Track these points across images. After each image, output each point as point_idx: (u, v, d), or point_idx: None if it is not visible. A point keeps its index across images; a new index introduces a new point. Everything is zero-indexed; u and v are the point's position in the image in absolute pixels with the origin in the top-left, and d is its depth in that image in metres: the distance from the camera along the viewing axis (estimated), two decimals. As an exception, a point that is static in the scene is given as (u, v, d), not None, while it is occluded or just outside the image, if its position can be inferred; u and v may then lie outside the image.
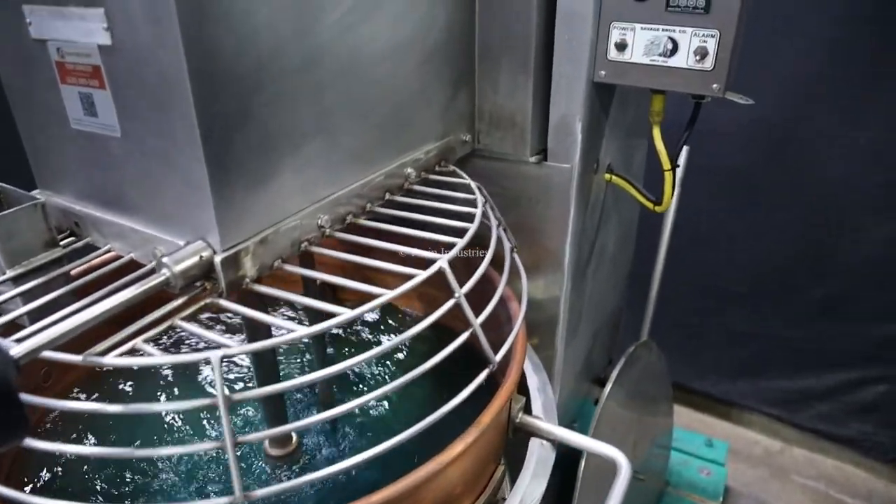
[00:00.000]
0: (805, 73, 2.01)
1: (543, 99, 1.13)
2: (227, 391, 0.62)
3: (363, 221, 0.89)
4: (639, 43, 1.05)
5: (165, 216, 0.77)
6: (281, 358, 1.30)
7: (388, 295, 0.71)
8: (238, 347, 0.65)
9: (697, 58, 1.01)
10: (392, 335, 1.38)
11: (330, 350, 1.28)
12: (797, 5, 1.95)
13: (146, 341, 0.67)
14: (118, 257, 0.84)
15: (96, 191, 0.84)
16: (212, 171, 0.69)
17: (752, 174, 2.20)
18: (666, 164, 1.20)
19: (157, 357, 0.65)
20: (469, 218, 0.89)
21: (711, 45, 1.00)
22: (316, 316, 1.13)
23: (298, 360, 1.31)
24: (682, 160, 1.43)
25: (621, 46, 1.06)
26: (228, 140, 0.70)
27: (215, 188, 0.70)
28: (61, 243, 0.85)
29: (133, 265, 0.81)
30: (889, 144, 1.96)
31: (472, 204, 0.93)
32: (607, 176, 1.31)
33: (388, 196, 0.96)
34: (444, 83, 1.05)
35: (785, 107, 2.06)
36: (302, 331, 0.67)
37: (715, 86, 1.03)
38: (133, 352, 0.66)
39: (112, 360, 0.64)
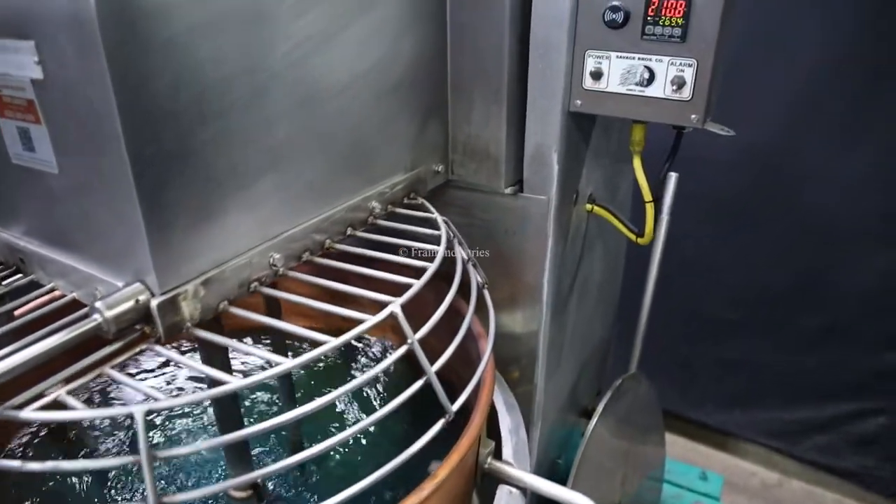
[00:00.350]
0: (796, 98, 1.97)
1: (518, 129, 1.10)
2: (151, 450, 0.58)
3: (319, 260, 0.85)
4: (615, 72, 1.01)
5: (105, 256, 0.73)
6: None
7: (330, 343, 0.66)
8: (165, 402, 0.61)
9: (675, 87, 0.98)
10: (362, 367, 1.34)
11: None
12: (787, 30, 1.91)
13: (72, 392, 0.63)
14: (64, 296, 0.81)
15: (40, 227, 0.81)
16: (146, 211, 0.65)
17: (743, 201, 2.15)
18: (647, 196, 1.17)
19: (77, 412, 0.61)
20: (434, 255, 0.85)
21: (689, 74, 0.96)
22: (280, 349, 1.09)
23: (267, 395, 1.27)
24: (669, 188, 1.38)
25: (597, 75, 1.02)
26: (165, 179, 0.66)
27: (151, 229, 0.66)
28: (6, 282, 0.82)
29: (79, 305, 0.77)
30: (881, 171, 1.92)
31: (438, 240, 0.89)
32: (588, 206, 1.28)
33: (349, 231, 0.92)
34: (412, 114, 1.02)
35: (775, 132, 2.02)
36: (235, 383, 0.63)
37: (694, 116, 0.99)
38: (56, 404, 0.62)
39: (30, 414, 0.60)
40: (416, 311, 0.76)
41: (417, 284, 0.76)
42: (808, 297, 2.16)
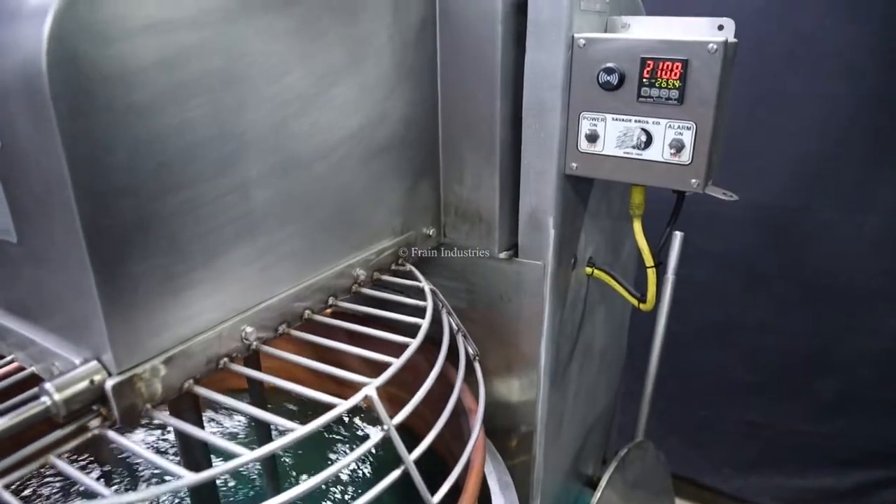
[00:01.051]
0: (805, 156, 1.93)
1: (512, 192, 1.06)
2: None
3: (296, 333, 0.80)
4: (611, 134, 0.97)
5: (62, 330, 0.69)
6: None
7: (299, 431, 0.61)
8: (112, 499, 0.55)
9: (673, 151, 0.94)
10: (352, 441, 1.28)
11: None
12: (795, 86, 1.89)
13: (8, 487, 0.57)
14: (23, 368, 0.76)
15: (1, 295, 0.77)
16: (102, 285, 0.61)
17: (756, 260, 2.09)
18: (648, 261, 1.12)
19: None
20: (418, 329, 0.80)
21: (688, 137, 0.92)
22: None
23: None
24: (675, 249, 1.33)
25: (592, 138, 0.98)
26: (123, 251, 0.62)
27: (107, 303, 0.62)
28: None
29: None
30: (892, 231, 1.86)
31: (424, 312, 0.84)
32: (588, 270, 1.22)
33: (331, 301, 0.87)
34: (401, 176, 0.98)
35: (785, 190, 1.98)
36: (202, 474, 0.57)
37: (694, 181, 0.94)
38: (-9, 500, 0.57)
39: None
40: (409, 375, 0.71)
41: (396, 364, 0.70)
42: (826, 359, 2.08)
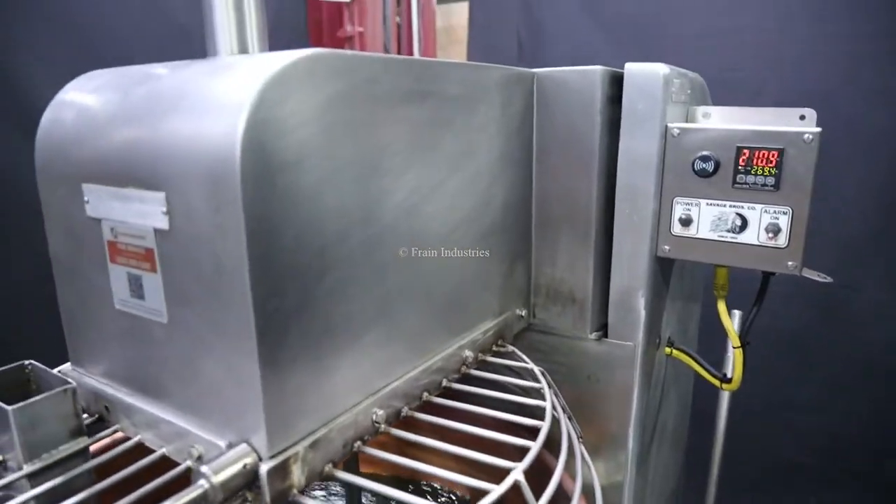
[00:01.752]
0: (856, 234, 1.97)
1: (603, 273, 1.08)
2: None
3: (419, 415, 0.80)
4: (705, 218, 1.00)
5: (206, 411, 0.69)
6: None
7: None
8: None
9: (770, 235, 0.96)
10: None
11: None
12: (837, 171, 1.95)
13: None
14: (149, 451, 0.76)
15: (132, 374, 0.77)
16: (265, 369, 0.62)
17: (810, 339, 2.09)
18: (735, 342, 1.12)
19: None
20: (535, 410, 0.80)
21: (784, 222, 0.95)
22: None
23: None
24: (735, 322, 1.34)
25: (686, 222, 1.01)
26: (285, 334, 0.64)
27: (267, 387, 0.62)
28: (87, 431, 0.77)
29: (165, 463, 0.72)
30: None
31: (537, 393, 0.84)
32: (668, 349, 1.23)
33: (444, 383, 0.87)
34: (501, 258, 1.00)
35: (837, 268, 2.00)
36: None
37: (791, 263, 0.97)
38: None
39: None
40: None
41: (535, 446, 0.70)
42: (886, 442, 2.04)
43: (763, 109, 1.07)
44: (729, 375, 1.15)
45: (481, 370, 0.94)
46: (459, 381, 0.90)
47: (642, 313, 1.06)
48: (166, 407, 0.73)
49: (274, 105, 0.60)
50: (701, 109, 1.13)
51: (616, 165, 1.03)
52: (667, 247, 1.04)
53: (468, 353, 0.92)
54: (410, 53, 3.04)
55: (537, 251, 1.10)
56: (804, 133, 0.92)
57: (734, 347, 1.13)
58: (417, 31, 2.83)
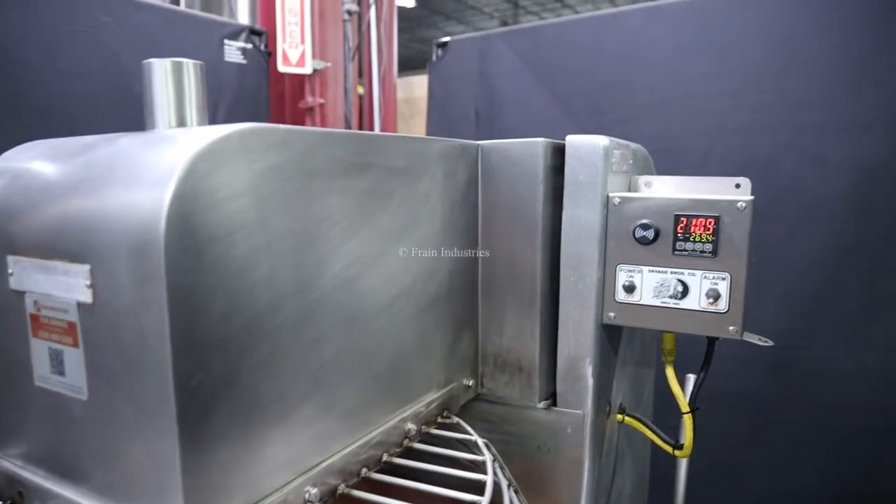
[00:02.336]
0: (800, 296, 2.01)
1: (550, 341, 1.07)
2: None
3: (355, 493, 0.77)
4: (647, 285, 1.01)
5: (126, 495, 0.66)
6: None
7: None
8: None
9: (710, 300, 0.97)
10: None
11: None
12: (781, 235, 2.01)
13: None
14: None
15: (50, 456, 0.73)
16: (185, 448, 0.59)
17: (765, 400, 2.10)
18: (684, 407, 1.12)
19: None
20: (479, 484, 0.78)
21: (723, 287, 0.97)
22: None
23: None
24: (688, 390, 1.34)
25: (630, 289, 1.02)
26: (210, 410, 0.61)
27: (187, 467, 0.60)
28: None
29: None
30: (894, 366, 1.90)
31: (481, 467, 0.82)
32: (619, 416, 1.22)
33: (385, 458, 0.85)
34: (447, 328, 1.00)
35: (784, 329, 2.04)
36: None
37: (731, 328, 0.98)
38: None
39: None
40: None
41: (474, 523, 0.68)
42: (842, 498, 2.03)
43: (702, 178, 1.11)
44: (682, 441, 1.14)
45: (425, 443, 0.92)
46: (401, 455, 0.88)
47: (590, 381, 1.06)
48: (85, 491, 0.69)
49: (203, 177, 0.60)
50: (643, 179, 1.16)
51: (560, 234, 1.05)
52: (612, 314, 1.04)
53: (411, 426, 0.90)
54: (371, 124, 3.11)
55: (484, 320, 1.09)
56: (738, 201, 0.95)
57: (683, 413, 1.12)
58: (378, 103, 2.91)
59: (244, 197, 0.64)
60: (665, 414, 1.31)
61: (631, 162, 1.15)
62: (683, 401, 1.12)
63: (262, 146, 0.67)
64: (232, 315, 0.64)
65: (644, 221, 1.00)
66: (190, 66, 0.75)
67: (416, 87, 3.02)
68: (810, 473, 2.07)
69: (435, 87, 2.78)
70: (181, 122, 0.75)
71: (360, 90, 2.96)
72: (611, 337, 1.11)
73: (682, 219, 0.98)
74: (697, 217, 0.97)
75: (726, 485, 2.19)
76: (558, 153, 1.04)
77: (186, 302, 0.59)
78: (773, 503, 2.14)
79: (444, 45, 2.73)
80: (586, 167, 1.02)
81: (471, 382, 1.08)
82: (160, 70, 0.74)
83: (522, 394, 1.08)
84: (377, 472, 0.83)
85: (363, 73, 2.97)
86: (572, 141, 1.03)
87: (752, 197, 0.96)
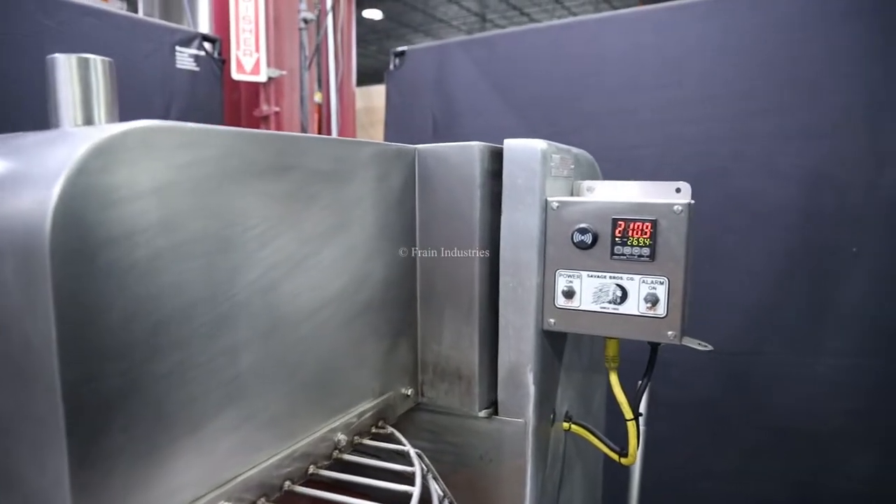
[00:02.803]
0: (751, 304, 2.03)
1: (491, 349, 1.05)
2: None
3: (277, 507, 0.74)
4: (587, 290, 1.00)
5: (19, 512, 0.61)
6: None
7: None
8: None
9: (648, 305, 0.96)
10: None
11: None
12: (737, 242, 2.02)
13: None
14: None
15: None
16: (75, 461, 0.56)
17: (720, 407, 2.11)
18: (628, 414, 1.10)
19: None
20: (407, 498, 0.75)
21: (661, 291, 0.96)
22: None
23: None
24: (643, 399, 1.33)
25: (569, 294, 1.01)
26: (105, 423, 0.58)
27: (77, 483, 0.56)
28: None
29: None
30: (847, 371, 1.93)
31: (411, 479, 0.79)
32: (566, 425, 1.20)
33: (312, 470, 0.81)
34: (381, 336, 0.97)
35: (735, 336, 2.05)
36: None
37: (670, 333, 0.97)
38: None
39: None
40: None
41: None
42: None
43: (643, 183, 1.10)
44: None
45: (362, 454, 0.89)
46: (332, 467, 0.84)
47: (532, 388, 1.04)
48: (-21, 510, 0.65)
49: (97, 176, 0.57)
50: (586, 184, 1.15)
51: (499, 239, 1.03)
52: (552, 320, 1.03)
53: (341, 437, 0.86)
54: (328, 132, 3.08)
55: (423, 328, 1.07)
56: (674, 205, 0.94)
57: (627, 420, 1.11)
58: (336, 111, 2.88)
59: (148, 198, 0.61)
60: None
61: (573, 167, 1.14)
62: (627, 408, 1.11)
63: (169, 145, 0.64)
64: (133, 322, 0.60)
65: (582, 226, 0.99)
66: (98, 62, 0.71)
67: (376, 96, 3.00)
68: (766, 479, 2.08)
69: (392, 96, 2.76)
70: (88, 121, 0.72)
71: (319, 98, 2.94)
72: (554, 343, 1.10)
73: (620, 223, 0.97)
74: (635, 221, 0.96)
75: (685, 492, 2.19)
76: (497, 157, 1.03)
77: (77, 307, 0.55)
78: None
79: (402, 54, 2.72)
80: (524, 171, 1.01)
81: (409, 391, 1.05)
82: (65, 66, 0.70)
83: (462, 402, 1.06)
84: (303, 484, 0.79)
85: (321, 81, 2.94)
86: (510, 145, 1.02)
87: (689, 200, 0.95)
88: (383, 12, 10.65)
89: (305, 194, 0.81)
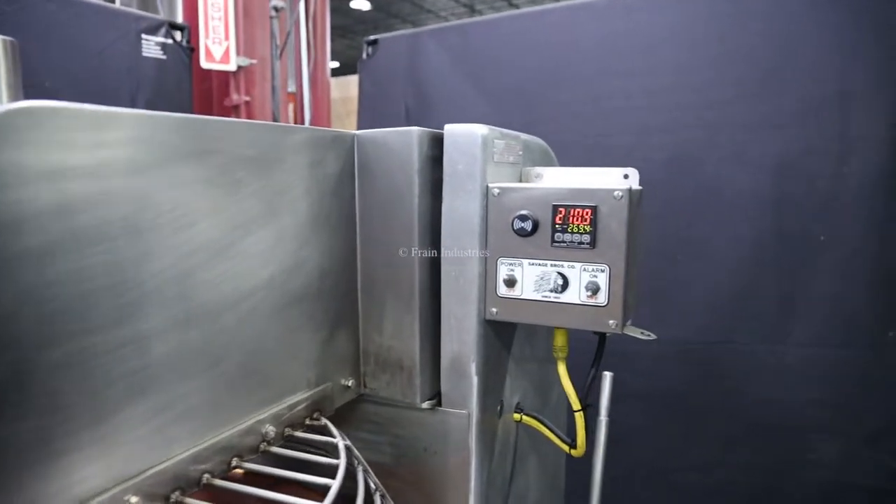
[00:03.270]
0: (721, 293, 2.02)
1: (433, 340, 1.03)
2: None
3: (190, 501, 0.72)
4: (528, 279, 0.98)
5: None
6: None
7: None
8: None
9: (589, 293, 0.95)
10: None
11: None
12: (705, 233, 2.01)
13: None
14: None
15: None
16: (-42, 457, 0.53)
17: (691, 396, 2.10)
18: (575, 405, 1.09)
19: None
20: (344, 490, 0.73)
21: (602, 279, 0.94)
22: None
23: None
24: (605, 391, 1.31)
25: (510, 282, 0.99)
26: (-11, 415, 0.56)
27: (-38, 479, 0.54)
28: None
29: None
30: (816, 361, 1.92)
31: (349, 472, 0.77)
32: (517, 416, 1.19)
33: (235, 462, 0.80)
34: (317, 326, 0.95)
35: (710, 326, 2.04)
36: None
37: (612, 322, 0.95)
38: None
39: None
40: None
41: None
42: (775, 498, 2.04)
43: (591, 169, 1.09)
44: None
45: (294, 448, 0.87)
46: (259, 460, 0.82)
47: (475, 379, 1.02)
48: None
49: (-20, 158, 0.54)
50: (535, 171, 1.13)
51: (441, 227, 1.01)
52: (494, 309, 1.01)
53: (270, 429, 0.84)
54: (302, 122, 3.05)
55: (365, 317, 1.05)
56: (614, 190, 0.92)
57: (575, 411, 1.09)
58: (308, 101, 2.85)
59: (38, 183, 0.59)
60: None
61: (521, 153, 1.12)
62: (575, 399, 1.09)
63: (66, 127, 0.61)
64: (23, 311, 0.58)
65: (522, 212, 0.97)
66: (-2, 42, 0.69)
67: (354, 86, 2.97)
68: (737, 469, 2.08)
69: (365, 85, 2.73)
70: (-11, 104, 0.69)
71: (291, 89, 2.91)
72: (500, 333, 1.08)
73: (560, 209, 0.95)
74: (575, 207, 0.94)
75: (656, 483, 2.18)
76: (437, 143, 1.01)
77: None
78: (702, 500, 2.14)
79: (375, 42, 2.69)
80: (465, 157, 0.98)
81: (350, 382, 1.03)
82: (-37, 46, 0.68)
83: (404, 394, 1.04)
84: (224, 478, 0.77)
85: (297, 70, 2.91)
86: (450, 130, 1.00)
87: (630, 186, 0.93)
88: (371, 3, 10.58)
89: (228, 180, 0.78)
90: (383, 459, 1.10)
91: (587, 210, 0.93)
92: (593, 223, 0.93)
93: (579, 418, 1.09)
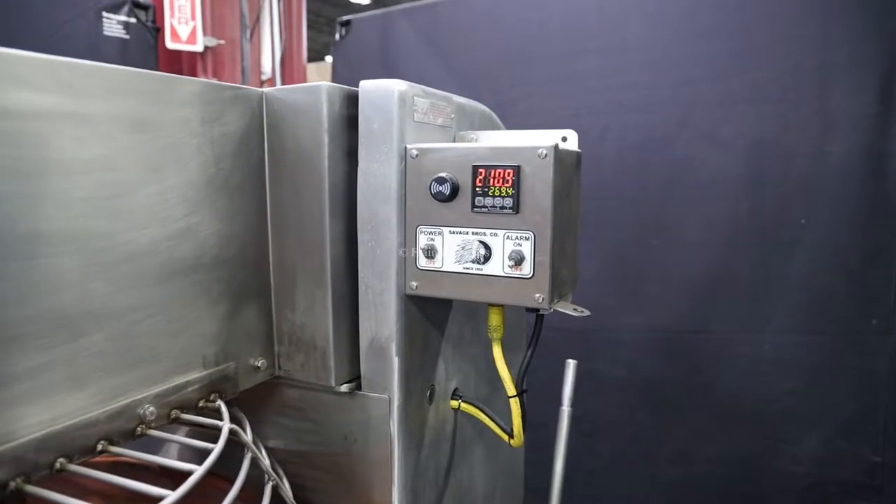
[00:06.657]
0: (698, 281, 1.93)
1: (351, 317, 0.95)
2: None
3: (35, 490, 0.64)
4: (448, 248, 0.90)
5: None
6: None
7: None
8: None
9: (512, 263, 0.86)
10: None
11: None
12: (677, 219, 1.92)
13: None
14: None
15: None
16: None
17: (667, 386, 2.02)
18: (510, 391, 1.00)
19: None
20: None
21: (527, 248, 0.85)
22: None
23: None
24: (569, 378, 1.22)
25: (430, 252, 0.90)
26: None
27: None
28: None
29: None
30: (794, 349, 1.83)
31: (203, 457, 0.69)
32: (454, 403, 1.10)
33: (101, 447, 0.71)
34: (214, 299, 0.87)
35: (686, 314, 1.96)
36: None
37: (538, 296, 0.86)
38: None
39: None
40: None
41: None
42: (753, 487, 1.96)
43: (529, 132, 1.00)
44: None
45: (166, 432, 0.78)
46: (133, 445, 0.74)
47: (395, 361, 0.93)
48: None
49: None
50: (469, 134, 1.05)
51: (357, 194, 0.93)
52: (414, 283, 0.92)
53: (150, 410, 0.76)
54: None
55: (277, 292, 0.96)
56: (538, 148, 0.83)
57: (509, 397, 1.00)
58: (279, 84, 2.77)
59: None
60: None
61: (453, 116, 1.03)
62: (510, 383, 1.01)
63: None
64: None
65: (440, 175, 0.88)
66: None
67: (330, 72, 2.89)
68: (713, 460, 2.00)
69: (339, 68, 2.65)
70: None
71: (264, 76, 2.83)
72: (428, 310, 0.99)
73: (481, 170, 0.86)
74: (496, 168, 0.85)
75: (632, 474, 2.10)
76: (353, 102, 0.92)
77: None
78: (679, 489, 2.06)
79: (348, 23, 2.61)
80: (380, 115, 0.90)
81: (260, 363, 0.94)
82: None
83: (318, 376, 0.95)
84: (84, 463, 0.69)
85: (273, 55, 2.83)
86: (365, 86, 0.91)
87: (555, 143, 0.84)
88: (370, -3, 10.48)
89: (96, 131, 0.70)
90: (304, 448, 1.02)
91: (509, 171, 0.85)
92: (516, 185, 0.85)
93: (514, 404, 1.00)
